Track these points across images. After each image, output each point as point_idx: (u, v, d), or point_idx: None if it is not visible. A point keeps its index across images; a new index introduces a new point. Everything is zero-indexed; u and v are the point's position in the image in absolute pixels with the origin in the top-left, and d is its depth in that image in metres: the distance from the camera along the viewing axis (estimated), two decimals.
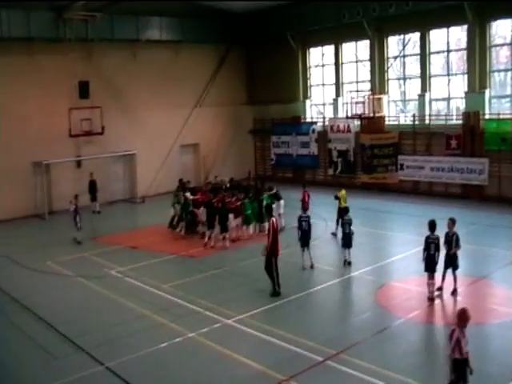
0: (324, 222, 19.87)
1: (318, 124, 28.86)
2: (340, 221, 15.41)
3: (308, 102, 29.70)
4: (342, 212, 15.77)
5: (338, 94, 28.04)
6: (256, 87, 31.82)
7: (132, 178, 27.42)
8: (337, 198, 18.20)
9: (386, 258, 15.44)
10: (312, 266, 14.69)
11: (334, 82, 28.19)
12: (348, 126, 26.90)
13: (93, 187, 23.87)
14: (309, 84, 29.53)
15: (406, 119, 25.18)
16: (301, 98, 29.67)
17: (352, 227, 14.63)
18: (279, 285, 12.69)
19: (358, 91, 26.16)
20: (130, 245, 18.12)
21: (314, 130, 28.80)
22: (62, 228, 21.19)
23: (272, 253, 12.71)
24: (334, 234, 17.87)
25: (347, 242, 14.90)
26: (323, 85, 29.03)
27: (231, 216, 17.26)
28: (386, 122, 25.60)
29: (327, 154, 28.30)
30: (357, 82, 27.20)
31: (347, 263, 14.70)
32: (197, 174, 30.28)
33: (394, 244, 17.24)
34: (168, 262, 16.13)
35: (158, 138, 28.01)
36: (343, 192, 18.63)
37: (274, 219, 13.09)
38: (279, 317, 11.67)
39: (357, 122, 26.56)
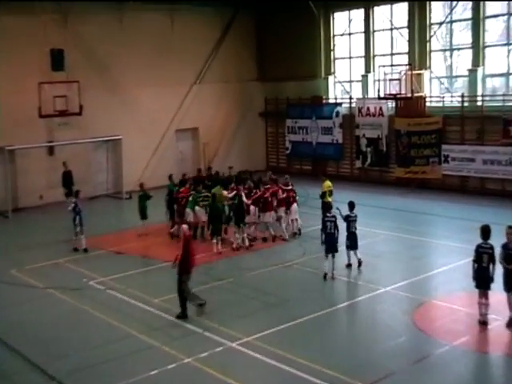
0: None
1: (344, 106, 28.75)
2: (322, 219, 15.34)
3: (331, 78, 29.59)
4: (327, 208, 15.84)
5: (368, 70, 27.92)
6: (268, 60, 31.76)
7: (117, 168, 27.45)
8: (323, 195, 18.46)
9: (426, 271, 15.35)
10: (333, 277, 14.87)
11: (364, 55, 28.06)
12: (380, 109, 26.79)
13: (68, 180, 23.84)
14: (332, 57, 29.44)
15: (452, 100, 24.97)
16: (322, 73, 29.59)
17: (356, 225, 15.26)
18: (185, 307, 12.59)
19: (392, 66, 26.04)
20: (114, 249, 18.11)
21: (338, 113, 28.72)
22: (29, 228, 21.25)
23: (183, 269, 12.62)
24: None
25: (353, 242, 15.31)
26: (350, 58, 28.93)
27: (252, 208, 17.65)
28: (428, 104, 25.45)
29: (354, 142, 28.23)
30: (391, 54, 27.06)
31: (358, 263, 15.34)
32: (195, 164, 30.33)
33: (436, 253, 17.14)
34: (160, 271, 16.10)
35: (149, 121, 28.04)
36: (328, 183, 18.81)
37: (185, 226, 13.05)
38: (294, 340, 11.58)
39: (391, 104, 26.44)
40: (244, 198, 17.71)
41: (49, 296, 14.42)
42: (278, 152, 32.16)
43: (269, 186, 18.73)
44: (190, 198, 18.52)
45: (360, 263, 15.54)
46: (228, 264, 16.57)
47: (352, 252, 15.55)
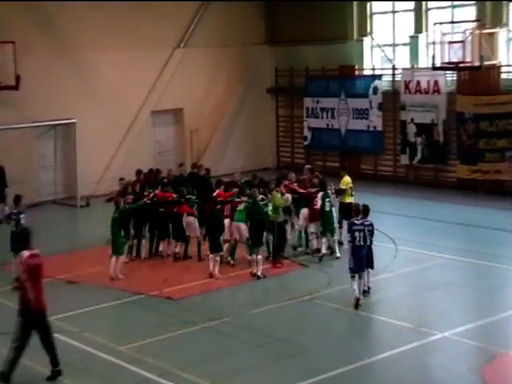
0: (391, 244, 19.83)
1: (384, 79, 28.75)
2: (346, 224, 15.65)
3: (367, 41, 29.58)
4: (347, 210, 16.11)
5: (418, 29, 27.92)
6: (280, 16, 31.82)
7: (69, 164, 27.49)
8: (339, 192, 19.00)
9: (501, 310, 15.22)
10: (357, 305, 15.11)
11: (413, 8, 28.07)
12: (435, 83, 26.74)
13: None
14: (369, 11, 29.49)
15: None
16: (354, 34, 29.64)
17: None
18: (56, 361, 12.40)
19: (453, 22, 26.02)
20: (64, 277, 18.10)
21: (376, 90, 28.74)
22: None
23: (36, 308, 12.40)
24: (340, 244, 18.73)
25: (368, 260, 15.49)
26: (393, 12, 28.94)
27: None
28: (504, 76, 25.41)
29: (399, 129, 28.17)
30: (452, 6, 27.02)
31: (366, 291, 15.77)
32: (180, 159, 30.25)
33: None
34: (129, 307, 16.08)
35: (114, 99, 28.07)
36: (348, 179, 19.16)
37: (25, 254, 12.91)
38: None
39: (451, 77, 26.39)
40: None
41: None
42: (293, 143, 32.13)
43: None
44: (242, 207, 18.35)
45: (367, 291, 15.80)
46: (223, 296, 16.52)
47: (365, 274, 15.66)
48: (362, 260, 15.28)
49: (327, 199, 18.63)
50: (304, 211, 19.16)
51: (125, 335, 14.38)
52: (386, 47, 29.25)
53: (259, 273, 17.56)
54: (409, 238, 20.20)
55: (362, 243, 15.16)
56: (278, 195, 18.56)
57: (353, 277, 15.21)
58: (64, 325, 15.01)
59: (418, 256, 18.48)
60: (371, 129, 28.99)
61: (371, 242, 15.79)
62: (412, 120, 27.64)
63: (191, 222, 19.03)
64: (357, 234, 15.16)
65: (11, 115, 25.47)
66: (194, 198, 19.51)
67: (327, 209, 18.59)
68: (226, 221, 18.37)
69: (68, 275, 18.24)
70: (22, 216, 18.34)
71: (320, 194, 18.74)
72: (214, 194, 19.29)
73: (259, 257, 17.61)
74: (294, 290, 16.60)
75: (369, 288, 16.02)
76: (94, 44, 27.49)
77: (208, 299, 16.49)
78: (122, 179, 21.30)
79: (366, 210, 15.92)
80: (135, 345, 13.79)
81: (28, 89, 25.28)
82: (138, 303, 16.37)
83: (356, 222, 15.37)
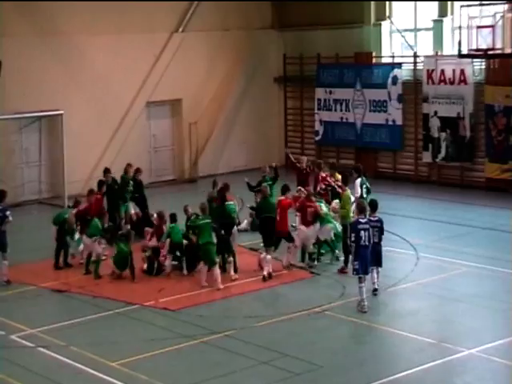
0: (412, 251, 19.85)
1: (405, 68, 28.76)
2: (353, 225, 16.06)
3: (385, 25, 29.57)
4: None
5: (443, 12, 27.95)
6: None
7: (55, 160, 27.51)
8: None
9: None
10: (363, 308, 15.62)
11: None
12: (462, 72, 26.76)
13: None
14: None
15: None
16: (372, 18, 29.65)
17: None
18: None
19: (482, 5, 25.71)
20: (49, 285, 18.14)
21: (395, 80, 28.76)
22: None
23: None
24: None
25: (375, 257, 15.94)
26: None
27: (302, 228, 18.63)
28: None
29: (421, 123, 28.18)
30: None
31: (373, 292, 16.35)
32: (178, 155, 30.36)
33: None
34: (121, 319, 16.11)
35: (105, 89, 28.14)
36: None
37: None
38: None
39: (479, 65, 26.40)
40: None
41: None
42: (303, 138, 32.14)
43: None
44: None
45: (375, 292, 16.31)
46: (226, 307, 16.53)
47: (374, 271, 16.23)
48: (366, 261, 15.62)
49: (364, 185, 19.16)
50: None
51: (116, 350, 14.37)
52: (406, 32, 29.26)
53: (265, 273, 17.85)
54: (431, 244, 20.15)
55: (366, 243, 15.52)
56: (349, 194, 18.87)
57: (360, 279, 15.63)
58: (49, 338, 15.07)
59: (442, 264, 18.46)
60: (390, 123, 28.98)
61: (380, 240, 16.23)
62: (435, 113, 27.63)
63: None
64: (362, 233, 15.48)
65: None
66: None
67: (364, 195, 18.96)
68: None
69: (54, 283, 18.26)
70: (8, 213, 18.37)
71: (358, 181, 19.16)
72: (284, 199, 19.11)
73: (268, 256, 17.86)
74: (303, 301, 16.59)
75: (375, 289, 16.41)
76: (82, 26, 27.50)
77: (208, 310, 16.44)
78: (107, 171, 21.64)
79: (373, 206, 16.40)
80: (128, 360, 13.77)
81: (9, 76, 25.33)
82: (131, 315, 16.35)
83: (361, 220, 15.70)
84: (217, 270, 17.51)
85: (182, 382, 12.89)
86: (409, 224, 22.33)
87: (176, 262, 18.66)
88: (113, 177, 22.08)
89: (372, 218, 16.19)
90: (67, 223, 19.25)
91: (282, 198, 18.83)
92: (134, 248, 18.64)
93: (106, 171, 22.14)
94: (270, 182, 20.87)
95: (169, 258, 18.49)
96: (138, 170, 22.60)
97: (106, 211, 20.17)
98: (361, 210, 16.10)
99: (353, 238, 15.64)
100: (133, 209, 22.16)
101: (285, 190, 19.06)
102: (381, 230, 16.34)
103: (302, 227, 18.57)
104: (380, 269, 16.56)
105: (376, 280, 16.48)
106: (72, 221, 19.38)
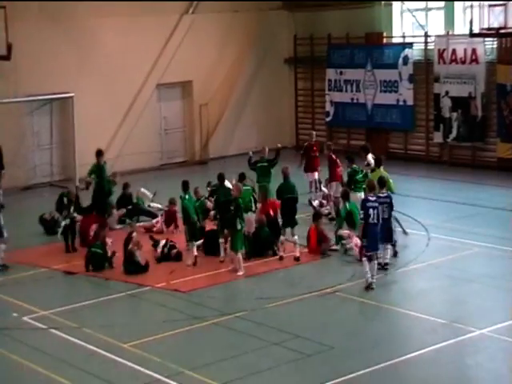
0: (423, 231, 19.84)
1: (416, 48, 28.64)
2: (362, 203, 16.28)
3: (396, 5, 29.44)
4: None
5: None
6: None
7: (66, 143, 27.54)
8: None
9: None
10: (371, 287, 15.63)
11: None
12: (473, 52, 26.61)
13: None
14: None
15: None
16: None
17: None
18: None
19: None
20: (61, 267, 18.18)
21: (406, 60, 28.64)
22: None
23: None
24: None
25: (385, 233, 16.16)
26: None
27: None
28: None
29: (432, 103, 28.11)
30: None
31: (383, 267, 16.56)
32: (189, 137, 30.35)
33: None
34: (132, 301, 16.20)
35: (115, 71, 28.09)
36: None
37: None
38: None
39: (491, 44, 26.25)
40: None
41: None
42: (314, 119, 32.04)
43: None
44: None
45: (385, 265, 16.60)
46: (237, 289, 16.61)
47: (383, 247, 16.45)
48: (376, 238, 15.77)
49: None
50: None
51: (128, 331, 14.42)
52: (417, 12, 29.08)
53: (282, 253, 18.08)
54: (442, 225, 20.12)
55: (375, 221, 15.67)
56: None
57: (368, 258, 15.69)
58: (61, 320, 15.14)
59: (453, 244, 18.45)
60: (401, 103, 28.87)
61: (390, 216, 16.47)
62: (447, 93, 27.50)
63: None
64: (371, 211, 15.65)
65: (2, 88, 25.50)
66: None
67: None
68: None
69: (65, 265, 18.30)
70: None
71: (370, 155, 20.32)
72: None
73: (295, 237, 18.05)
74: (314, 282, 16.64)
75: (386, 264, 16.61)
76: (93, 9, 27.35)
77: (219, 292, 16.53)
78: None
79: (381, 182, 16.59)
80: (140, 342, 13.83)
81: (21, 59, 25.29)
82: (143, 296, 16.43)
83: (370, 198, 15.89)
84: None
85: (193, 364, 12.89)
86: (420, 204, 22.29)
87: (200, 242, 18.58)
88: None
89: (381, 195, 16.33)
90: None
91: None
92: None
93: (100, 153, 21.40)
94: (264, 164, 21.06)
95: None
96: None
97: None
98: (370, 188, 16.25)
99: (361, 216, 15.81)
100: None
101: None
102: (390, 206, 16.52)
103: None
104: (390, 245, 16.77)
105: (388, 256, 16.72)
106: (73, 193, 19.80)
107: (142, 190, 22.61)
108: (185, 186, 18.52)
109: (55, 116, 27.74)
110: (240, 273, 17.19)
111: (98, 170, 20.74)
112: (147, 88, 29.18)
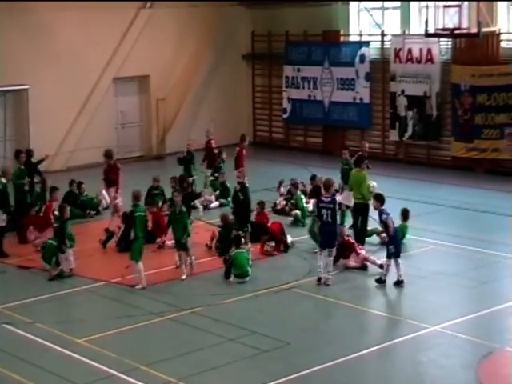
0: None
1: (372, 46, 28.77)
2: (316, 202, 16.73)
3: (354, 4, 29.53)
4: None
5: None
6: None
7: (21, 137, 27.29)
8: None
9: (498, 303, 15.36)
10: (326, 283, 15.93)
11: None
12: (429, 52, 26.78)
13: None
14: None
15: None
16: None
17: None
18: None
19: None
20: (14, 262, 18.08)
21: (363, 58, 28.74)
22: None
23: None
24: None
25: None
26: None
27: None
28: (504, 45, 25.45)
29: (388, 102, 28.24)
30: None
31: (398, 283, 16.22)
32: (146, 132, 30.21)
33: None
34: (87, 295, 16.09)
35: (71, 64, 27.83)
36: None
37: None
38: None
39: (446, 44, 26.40)
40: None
41: None
42: (271, 116, 32.05)
43: None
44: None
45: (401, 284, 16.18)
46: (193, 284, 16.53)
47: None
48: (328, 236, 16.12)
49: None
50: None
51: (83, 326, 14.36)
52: (374, 11, 29.17)
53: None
54: (397, 222, 20.21)
55: (328, 219, 16.01)
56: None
57: (320, 252, 16.08)
58: (14, 315, 15.00)
59: (407, 242, 18.47)
60: (357, 101, 28.97)
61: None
62: (402, 92, 27.65)
63: None
64: (324, 211, 16.08)
65: None
66: None
67: None
68: None
69: (19, 259, 18.16)
70: None
71: None
72: None
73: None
74: (271, 279, 16.65)
75: (401, 281, 16.18)
76: (50, 2, 27.02)
77: (176, 287, 16.44)
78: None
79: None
80: (95, 337, 13.78)
81: None
82: (98, 291, 16.32)
83: (324, 199, 16.32)
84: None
85: (149, 359, 12.88)
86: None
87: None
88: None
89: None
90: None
91: None
92: None
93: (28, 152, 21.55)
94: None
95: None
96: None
97: None
98: (326, 187, 16.66)
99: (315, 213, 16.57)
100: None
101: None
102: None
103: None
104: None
105: (401, 271, 16.11)
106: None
107: (104, 192, 22.19)
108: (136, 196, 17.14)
109: (9, 109, 27.33)
110: (139, 286, 16.23)
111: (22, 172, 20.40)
112: (104, 82, 28.96)
